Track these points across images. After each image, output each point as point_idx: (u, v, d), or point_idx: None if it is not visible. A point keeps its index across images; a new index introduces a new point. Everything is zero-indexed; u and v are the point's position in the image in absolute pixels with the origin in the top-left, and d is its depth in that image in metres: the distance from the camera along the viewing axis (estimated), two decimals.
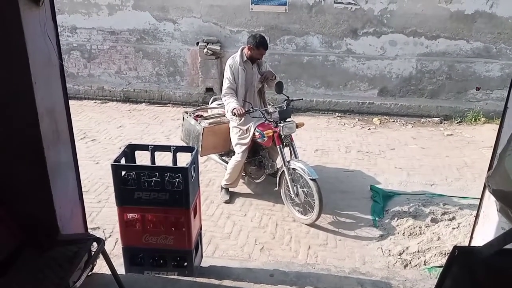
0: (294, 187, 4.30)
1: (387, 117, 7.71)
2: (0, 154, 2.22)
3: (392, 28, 7.67)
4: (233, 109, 4.29)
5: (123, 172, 2.91)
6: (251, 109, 4.40)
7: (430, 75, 7.85)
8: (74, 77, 8.69)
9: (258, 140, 4.53)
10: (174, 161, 3.15)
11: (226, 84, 4.49)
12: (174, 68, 8.45)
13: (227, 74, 4.49)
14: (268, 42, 4.55)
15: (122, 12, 8.22)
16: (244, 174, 4.89)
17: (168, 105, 8.24)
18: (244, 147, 4.55)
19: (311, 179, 4.07)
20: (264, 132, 4.38)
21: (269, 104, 4.94)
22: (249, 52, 4.46)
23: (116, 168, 2.81)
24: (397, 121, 7.59)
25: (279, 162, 4.60)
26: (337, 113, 7.84)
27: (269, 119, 4.44)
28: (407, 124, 7.49)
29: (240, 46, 7.94)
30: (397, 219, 4.33)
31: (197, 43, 8.02)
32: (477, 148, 6.41)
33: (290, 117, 4.48)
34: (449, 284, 1.50)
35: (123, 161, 2.98)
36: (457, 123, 7.52)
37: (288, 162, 4.34)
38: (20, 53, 2.02)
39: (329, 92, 8.11)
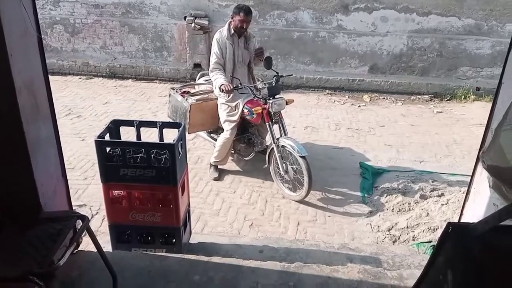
0: (284, 164, 4.26)
1: (377, 94, 7.67)
2: None
3: (384, 4, 7.55)
4: (221, 85, 4.18)
5: (108, 149, 2.83)
6: (239, 85, 4.30)
7: (421, 52, 7.78)
8: (58, 52, 8.45)
9: (247, 117, 4.45)
10: (161, 137, 3.07)
11: (213, 59, 4.37)
12: (161, 43, 8.24)
13: (214, 48, 4.36)
14: (257, 16, 4.40)
15: None
16: (233, 152, 4.82)
17: (155, 81, 8.07)
18: (232, 124, 4.47)
19: (300, 156, 4.03)
20: (253, 109, 4.31)
21: (258, 80, 4.84)
22: (233, 22, 4.33)
23: (100, 144, 2.72)
24: (387, 98, 7.56)
25: (268, 139, 4.54)
26: (327, 90, 7.76)
27: (258, 96, 4.35)
28: (397, 101, 7.46)
29: (228, 20, 7.86)
30: (386, 196, 4.34)
31: (185, 18, 7.81)
32: (466, 125, 6.42)
33: (280, 93, 4.41)
34: (442, 260, 1.48)
35: (107, 137, 2.88)
36: (447, 100, 7.51)
37: (278, 139, 4.29)
38: None
39: (319, 68, 8.01)
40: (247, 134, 4.73)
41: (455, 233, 1.42)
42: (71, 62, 8.24)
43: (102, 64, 8.22)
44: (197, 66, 7.96)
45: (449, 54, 7.72)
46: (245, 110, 4.39)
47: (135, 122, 3.03)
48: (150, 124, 3.23)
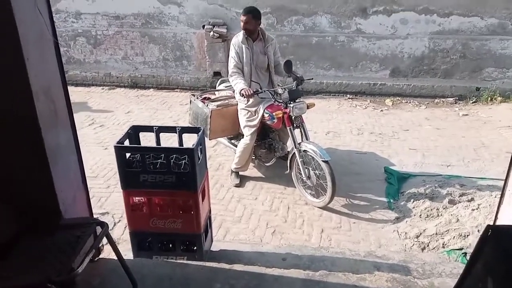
0: (306, 170, 4.16)
1: (399, 98, 7.50)
2: None
3: (403, 6, 7.41)
4: (241, 90, 4.13)
5: (128, 155, 2.80)
6: (259, 89, 4.23)
7: (443, 54, 7.59)
8: (81, 63, 8.60)
9: (268, 122, 4.39)
10: (180, 142, 3.03)
11: (231, 63, 4.33)
12: (181, 53, 8.29)
13: (232, 53, 4.33)
14: (256, 13, 4.23)
15: None
16: (254, 158, 4.76)
17: (176, 90, 8.10)
18: (252, 129, 4.41)
19: (323, 161, 3.93)
20: (274, 114, 4.24)
21: (278, 84, 4.78)
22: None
23: (119, 150, 2.70)
24: (410, 102, 7.38)
25: (289, 144, 4.46)
26: (348, 95, 7.64)
27: (279, 100, 4.28)
28: (421, 105, 7.27)
29: None
30: (413, 201, 4.18)
31: (203, 26, 7.84)
32: (494, 128, 6.19)
33: (300, 97, 4.33)
34: (481, 267, 1.36)
35: (127, 143, 2.86)
36: (472, 103, 7.28)
37: (299, 144, 4.20)
38: (8, 27, 1.88)
39: (339, 73, 7.90)
40: (268, 140, 4.66)
41: (495, 236, 1.31)
42: (94, 73, 8.37)
43: (124, 75, 8.31)
44: (216, 74, 7.96)
45: (473, 55, 7.50)
46: (266, 115, 4.33)
47: (154, 127, 3.00)
48: (170, 129, 3.19)
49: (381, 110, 7.00)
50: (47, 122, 2.20)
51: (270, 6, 7.64)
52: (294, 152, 4.23)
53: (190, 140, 3.14)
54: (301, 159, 4.17)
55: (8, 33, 1.92)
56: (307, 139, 4.30)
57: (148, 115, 6.75)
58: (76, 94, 7.51)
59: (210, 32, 7.67)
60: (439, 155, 5.28)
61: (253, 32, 4.31)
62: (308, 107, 4.33)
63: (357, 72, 7.87)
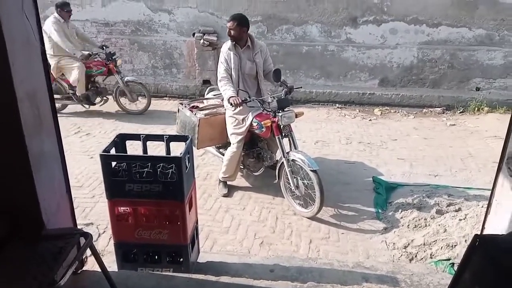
0: (294, 179, 4.14)
1: (388, 108, 7.55)
2: None
3: (393, 16, 7.51)
4: (230, 98, 4.10)
5: (114, 164, 2.75)
6: (247, 98, 4.21)
7: (431, 64, 7.69)
8: None
9: (256, 131, 4.36)
10: (168, 151, 2.99)
11: (221, 69, 4.31)
12: (170, 60, 8.27)
13: (221, 59, 4.33)
14: (241, 20, 4.22)
15: (116, 3, 8.03)
16: (242, 167, 4.72)
17: (165, 98, 8.06)
18: (239, 137, 4.38)
19: (311, 170, 3.91)
20: (262, 122, 4.22)
21: (267, 93, 4.75)
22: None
23: (105, 159, 2.65)
24: (398, 112, 7.43)
25: (278, 154, 4.44)
26: (337, 104, 7.67)
27: (267, 109, 4.26)
28: (409, 114, 7.33)
29: None
30: (401, 211, 4.18)
31: (193, 34, 7.84)
32: (481, 138, 6.26)
33: (289, 106, 4.30)
34: (469, 276, 1.35)
35: (113, 152, 2.81)
36: (460, 113, 7.36)
37: (288, 153, 4.17)
38: None
39: (328, 83, 7.94)
40: (256, 149, 4.63)
41: (483, 246, 1.30)
42: None
43: (111, 82, 8.22)
44: (206, 82, 7.94)
45: (461, 65, 7.61)
46: (254, 124, 4.31)
47: (141, 136, 2.95)
48: (157, 137, 3.15)
49: (370, 120, 7.04)
50: (31, 129, 2.15)
51: (261, 15, 7.68)
52: (283, 162, 4.20)
53: (178, 149, 3.10)
54: (289, 169, 4.15)
55: None
56: (295, 148, 4.28)
57: (135, 123, 6.68)
58: None
59: (200, 40, 7.67)
60: (427, 165, 5.31)
61: (239, 39, 4.29)
62: (296, 116, 4.31)
63: (346, 81, 7.92)
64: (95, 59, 6.78)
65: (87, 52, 6.60)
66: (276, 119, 4.15)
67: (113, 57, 6.76)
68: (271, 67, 4.51)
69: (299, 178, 4.12)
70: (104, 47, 6.89)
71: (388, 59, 7.74)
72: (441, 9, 7.35)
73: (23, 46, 2.06)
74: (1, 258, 2.04)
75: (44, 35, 6.07)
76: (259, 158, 4.61)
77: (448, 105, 7.51)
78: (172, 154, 2.98)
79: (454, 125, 6.83)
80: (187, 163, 2.78)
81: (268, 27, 7.72)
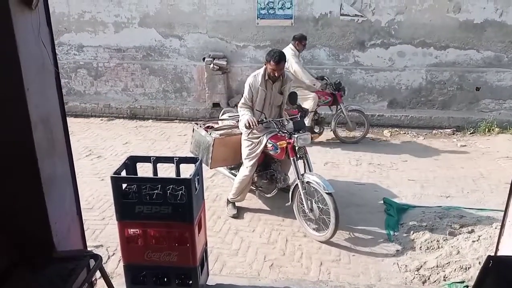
0: (308, 202, 4.06)
1: (397, 129, 7.54)
2: None
3: (400, 39, 7.58)
4: (246, 120, 4.12)
5: (124, 185, 2.78)
6: (264, 119, 4.23)
7: (440, 86, 7.70)
8: (81, 95, 8.70)
9: (271, 152, 4.33)
10: (178, 173, 3.02)
11: (243, 100, 4.34)
12: (181, 84, 8.40)
13: (246, 92, 4.32)
14: (286, 58, 4.26)
15: (128, 30, 8.24)
16: (254, 189, 4.69)
17: (175, 121, 8.16)
18: (253, 161, 4.35)
19: (327, 193, 3.84)
20: (278, 143, 4.20)
21: (284, 116, 4.68)
22: (266, 69, 4.26)
23: (116, 181, 2.68)
24: (408, 133, 7.41)
25: (292, 176, 4.39)
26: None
27: (283, 130, 4.25)
28: (419, 136, 7.30)
29: (246, 60, 8.00)
30: (413, 233, 4.13)
31: (203, 59, 7.99)
32: (492, 158, 6.20)
33: (305, 128, 4.29)
34: None
35: (124, 174, 2.84)
36: (470, 134, 7.31)
37: (302, 175, 4.12)
38: (11, 58, 1.91)
39: None
40: (270, 170, 4.58)
41: (497, 267, 1.28)
42: (94, 105, 8.44)
43: (123, 106, 8.38)
44: (216, 105, 8.04)
45: (470, 87, 7.61)
46: (269, 145, 4.28)
47: (152, 158, 2.99)
48: (167, 159, 3.18)
49: (380, 141, 7.02)
50: (44, 152, 2.19)
51: (270, 40, 7.81)
52: (297, 184, 4.15)
53: (188, 171, 3.13)
54: (303, 191, 4.08)
55: (10, 63, 1.95)
56: (310, 170, 4.22)
57: (146, 146, 6.75)
58: (75, 125, 7.56)
59: (210, 64, 7.81)
60: (438, 186, 5.26)
61: (278, 77, 4.29)
62: (312, 139, 4.28)
63: (355, 103, 7.94)
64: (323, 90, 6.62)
65: (323, 82, 6.56)
66: (292, 140, 4.13)
67: (341, 87, 6.66)
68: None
69: (313, 201, 4.05)
70: (324, 78, 6.78)
71: (396, 81, 7.78)
72: (448, 32, 7.41)
73: (38, 72, 2.13)
74: (12, 281, 2.06)
75: None
76: (272, 180, 4.56)
77: (458, 126, 7.48)
78: (182, 176, 3.01)
79: (464, 146, 6.78)
80: (196, 185, 2.79)
81: None
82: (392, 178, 5.54)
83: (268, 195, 4.61)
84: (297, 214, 4.28)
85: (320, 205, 3.99)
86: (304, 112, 4.31)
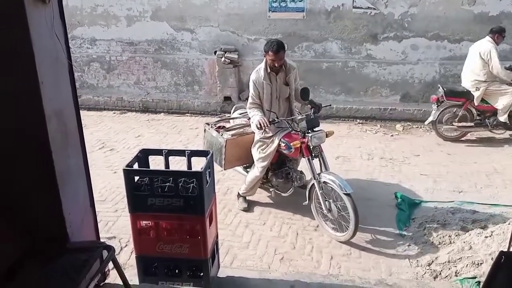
0: (326, 202, 3.94)
1: (410, 123, 7.47)
2: (6, 157, 2.14)
3: (414, 32, 7.48)
4: (257, 121, 4.00)
5: (136, 178, 2.81)
6: (276, 119, 4.09)
7: (454, 80, 7.58)
8: (94, 88, 8.78)
9: (284, 151, 4.21)
10: (189, 166, 3.04)
11: (250, 99, 4.23)
12: (192, 78, 8.43)
13: (251, 90, 4.19)
14: (285, 47, 4.11)
15: (140, 23, 8.27)
16: (270, 187, 4.58)
17: (187, 114, 8.19)
18: (265, 163, 4.27)
19: (344, 194, 3.72)
20: (291, 143, 4.06)
21: (298, 112, 4.58)
22: (267, 61, 4.12)
23: (128, 173, 2.70)
24: (420, 127, 7.34)
25: (307, 174, 4.30)
26: (358, 120, 7.64)
27: (296, 129, 4.14)
28: (431, 130, 7.21)
29: (257, 54, 7.98)
30: (425, 228, 4.10)
31: (215, 52, 7.99)
32: (506, 153, 6.11)
33: (319, 125, 4.12)
34: None
35: (136, 167, 2.87)
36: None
37: (319, 174, 3.98)
38: (25, 51, 1.94)
39: (349, 98, 7.93)
40: (285, 169, 4.45)
41: (509, 262, 1.27)
42: (106, 98, 8.51)
43: (135, 99, 8.44)
44: (227, 99, 8.05)
45: None
46: (282, 144, 4.16)
47: (163, 151, 3.01)
48: (179, 153, 3.20)
49: (392, 135, 6.97)
50: (58, 145, 2.23)
51: (281, 33, 7.77)
52: (313, 183, 4.02)
53: (199, 164, 3.15)
54: (321, 191, 3.95)
55: (24, 56, 1.98)
56: (326, 169, 4.08)
57: (158, 139, 6.80)
58: (88, 118, 7.63)
59: (221, 58, 7.81)
60: (451, 181, 5.21)
61: (279, 68, 4.13)
62: (327, 136, 4.12)
63: (367, 97, 7.90)
64: None
65: None
66: (306, 139, 4.01)
67: None
68: (298, 86, 4.38)
69: (331, 201, 3.93)
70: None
71: (409, 74, 7.69)
72: (462, 24, 7.29)
73: (52, 65, 2.15)
74: (26, 272, 2.10)
75: (479, 59, 6.07)
76: (288, 178, 4.44)
77: None
78: (193, 169, 3.03)
79: (478, 140, 6.69)
80: (208, 178, 2.81)
81: (288, 45, 7.77)
82: (404, 172, 5.50)
83: (284, 194, 4.48)
84: (315, 214, 4.17)
85: (339, 204, 3.87)
86: (317, 107, 4.15)
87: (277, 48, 3.96)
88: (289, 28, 7.76)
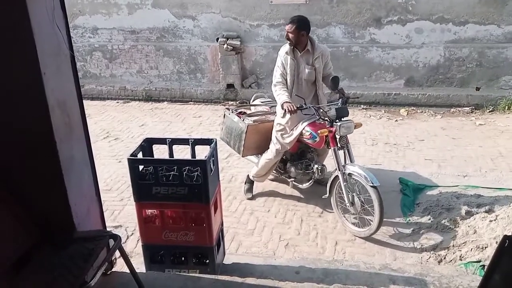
0: (349, 195, 3.82)
1: (414, 108, 7.42)
2: (11, 148, 2.15)
3: (418, 15, 7.38)
4: (284, 103, 3.86)
5: (141, 167, 2.82)
6: (303, 105, 3.91)
7: (459, 63, 7.51)
8: (97, 77, 8.76)
9: (308, 141, 4.07)
10: (193, 154, 3.05)
11: (277, 73, 4.09)
12: (195, 65, 8.39)
13: (278, 63, 4.08)
14: (302, 25, 3.91)
15: (141, 11, 8.21)
16: (288, 178, 4.47)
17: (190, 102, 8.17)
18: (278, 146, 4.16)
19: (371, 186, 3.60)
20: (318, 132, 3.90)
21: (325, 100, 4.40)
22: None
23: (132, 162, 2.72)
24: (425, 112, 7.29)
25: (329, 166, 4.23)
26: (362, 105, 7.60)
27: (323, 118, 3.99)
28: (436, 114, 7.18)
29: (260, 40, 7.92)
30: (429, 213, 4.11)
31: (217, 39, 7.93)
32: (511, 137, 6.08)
33: (348, 115, 3.98)
34: (499, 278, 1.32)
35: (140, 156, 2.89)
36: (489, 112, 7.16)
37: (344, 166, 3.86)
38: (27, 42, 1.94)
39: (353, 83, 7.87)
40: (305, 160, 4.32)
41: None
42: (109, 87, 8.51)
43: (138, 88, 8.43)
44: (230, 86, 8.02)
45: (490, 63, 7.40)
46: (306, 133, 4.02)
47: (167, 139, 3.02)
48: (183, 141, 3.21)
49: (396, 120, 6.94)
50: (62, 135, 2.24)
51: (284, 18, 7.68)
52: (337, 175, 3.90)
53: (203, 152, 3.15)
54: (344, 183, 3.82)
55: (26, 47, 1.98)
56: (351, 161, 3.95)
57: (162, 128, 6.81)
58: (91, 107, 7.64)
59: (224, 45, 7.76)
60: (456, 166, 5.19)
61: (297, 43, 4.00)
62: (355, 127, 4.02)
63: (371, 82, 7.84)
64: None
65: None
66: (334, 128, 3.88)
67: None
68: (330, 71, 4.22)
69: (354, 194, 3.83)
70: None
71: (413, 58, 7.62)
72: (467, 7, 7.18)
73: (54, 55, 2.15)
74: (34, 261, 2.13)
75: None
76: (308, 170, 4.30)
77: (477, 104, 7.31)
78: (197, 158, 3.04)
79: (483, 124, 6.65)
80: (212, 166, 2.82)
81: None
82: (408, 157, 5.49)
83: (302, 187, 4.37)
84: (335, 208, 4.04)
85: (362, 198, 3.78)
86: (345, 98, 4.00)
87: (290, 21, 3.98)
88: (292, 13, 7.58)
